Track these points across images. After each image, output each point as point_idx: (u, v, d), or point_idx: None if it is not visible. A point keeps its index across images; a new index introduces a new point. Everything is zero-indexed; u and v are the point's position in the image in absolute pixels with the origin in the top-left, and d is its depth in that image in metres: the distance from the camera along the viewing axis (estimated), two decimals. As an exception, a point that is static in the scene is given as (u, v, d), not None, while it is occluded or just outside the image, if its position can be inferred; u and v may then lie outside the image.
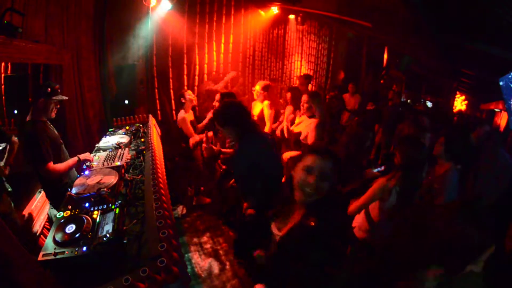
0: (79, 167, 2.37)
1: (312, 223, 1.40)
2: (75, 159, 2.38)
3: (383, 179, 2.30)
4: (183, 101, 3.96)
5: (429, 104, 10.38)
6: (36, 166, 2.22)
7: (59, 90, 2.43)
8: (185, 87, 5.95)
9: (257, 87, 4.10)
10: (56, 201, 2.37)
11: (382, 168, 2.66)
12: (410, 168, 2.23)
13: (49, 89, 2.33)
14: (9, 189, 2.26)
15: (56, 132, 2.48)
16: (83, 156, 2.42)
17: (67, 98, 2.52)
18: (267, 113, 4.03)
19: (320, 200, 1.43)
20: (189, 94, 4.01)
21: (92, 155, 2.55)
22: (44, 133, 2.26)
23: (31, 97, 2.38)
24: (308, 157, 1.45)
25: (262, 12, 6.92)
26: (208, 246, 3.45)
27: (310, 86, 7.38)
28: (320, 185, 1.39)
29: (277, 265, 1.60)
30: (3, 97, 3.02)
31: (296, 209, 1.57)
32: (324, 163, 1.41)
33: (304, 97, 3.46)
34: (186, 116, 3.89)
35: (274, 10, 6.88)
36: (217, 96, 3.80)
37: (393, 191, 2.22)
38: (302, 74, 6.68)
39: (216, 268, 3.11)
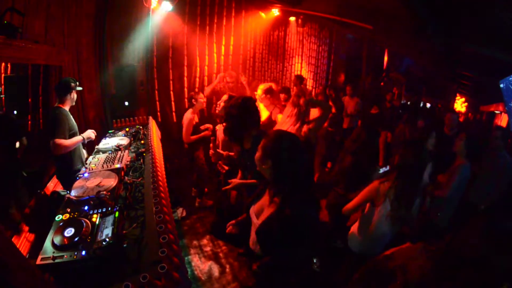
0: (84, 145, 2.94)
1: (288, 213, 1.47)
2: (79, 137, 2.78)
3: (377, 181, 2.24)
4: (194, 102, 3.96)
5: (428, 106, 10.40)
6: (49, 139, 2.57)
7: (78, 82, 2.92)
8: (185, 89, 5.93)
9: (259, 91, 3.99)
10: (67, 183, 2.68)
11: (388, 167, 2.64)
12: (406, 172, 2.14)
13: (73, 84, 2.81)
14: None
15: (75, 123, 2.86)
16: (86, 134, 2.83)
17: (81, 88, 3.05)
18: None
19: (294, 189, 1.51)
20: (201, 97, 4.01)
21: (91, 157, 2.53)
22: (65, 118, 2.68)
23: (58, 90, 2.78)
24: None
25: (262, 14, 6.92)
26: (208, 249, 3.43)
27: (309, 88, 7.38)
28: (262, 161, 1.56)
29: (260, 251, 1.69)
30: (3, 97, 3.01)
31: (269, 196, 1.66)
32: (270, 141, 1.55)
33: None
34: (192, 117, 3.89)
35: (275, 12, 6.87)
36: (225, 97, 3.75)
37: (387, 196, 2.13)
38: (295, 75, 6.70)
39: (216, 271, 3.09)
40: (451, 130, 3.86)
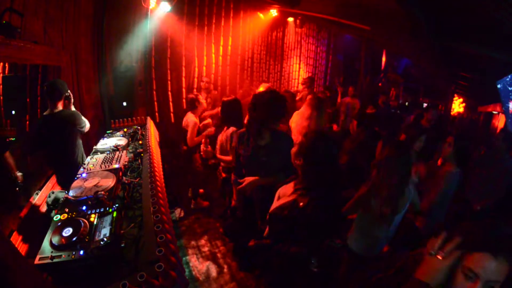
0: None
1: (301, 204, 1.61)
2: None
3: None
4: (197, 105, 3.97)
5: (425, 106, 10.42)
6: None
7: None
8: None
9: (261, 89, 4.03)
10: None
11: None
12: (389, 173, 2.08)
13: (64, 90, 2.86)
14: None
15: None
16: None
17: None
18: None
19: (317, 188, 1.63)
20: (202, 99, 4.03)
21: (89, 157, 2.54)
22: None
23: (53, 93, 2.80)
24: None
25: (261, 15, 6.94)
26: (206, 249, 3.44)
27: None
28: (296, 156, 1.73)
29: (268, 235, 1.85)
30: (1, 98, 3.01)
31: (294, 187, 1.78)
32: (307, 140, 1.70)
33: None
34: (197, 121, 3.91)
35: (273, 12, 6.90)
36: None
37: (372, 198, 2.12)
38: (307, 76, 6.74)
39: (214, 271, 3.10)
40: (430, 123, 4.29)
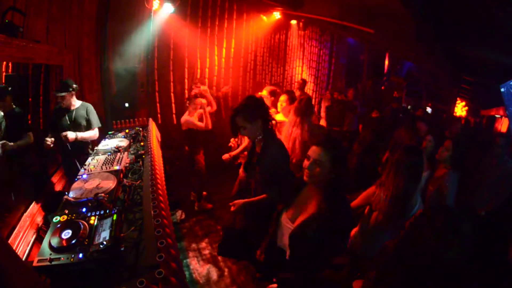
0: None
1: (331, 212, 1.52)
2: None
3: (375, 185, 2.23)
4: (188, 105, 3.94)
5: (429, 110, 10.37)
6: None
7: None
8: (186, 91, 5.92)
9: (264, 92, 4.00)
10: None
11: None
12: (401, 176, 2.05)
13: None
14: None
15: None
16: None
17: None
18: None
19: (335, 191, 1.58)
20: (200, 101, 3.96)
21: (90, 158, 2.52)
22: None
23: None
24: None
25: (264, 17, 6.94)
26: (206, 252, 3.40)
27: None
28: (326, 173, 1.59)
29: (288, 258, 1.72)
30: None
31: (310, 200, 1.69)
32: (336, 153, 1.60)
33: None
34: (188, 118, 3.87)
35: (276, 15, 6.89)
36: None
37: (381, 199, 2.08)
38: (301, 78, 6.72)
39: (214, 274, 3.07)
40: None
